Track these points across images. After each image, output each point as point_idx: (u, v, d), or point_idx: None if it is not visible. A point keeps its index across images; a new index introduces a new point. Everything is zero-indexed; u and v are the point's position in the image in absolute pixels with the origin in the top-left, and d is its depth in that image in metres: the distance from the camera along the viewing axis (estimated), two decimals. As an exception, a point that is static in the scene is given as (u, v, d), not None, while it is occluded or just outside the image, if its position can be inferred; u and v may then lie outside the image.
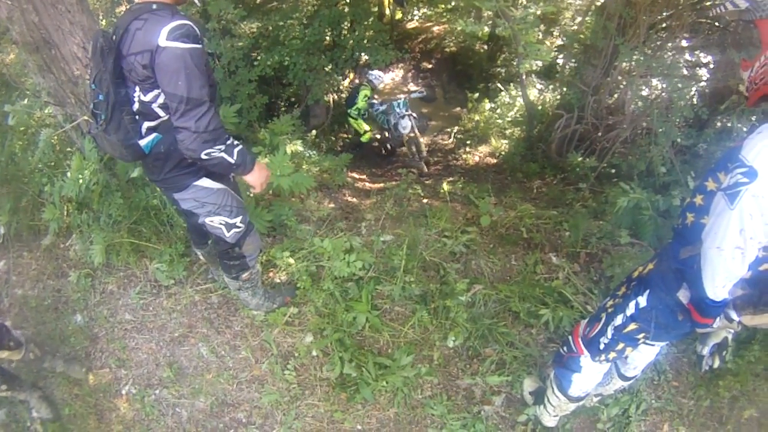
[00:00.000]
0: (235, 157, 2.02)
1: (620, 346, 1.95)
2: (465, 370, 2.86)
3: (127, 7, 2.20)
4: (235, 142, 2.04)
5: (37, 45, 3.03)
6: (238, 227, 2.42)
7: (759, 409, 2.62)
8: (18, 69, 4.59)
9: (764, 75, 1.38)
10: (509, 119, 7.75)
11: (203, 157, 1.93)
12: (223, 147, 1.95)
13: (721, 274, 1.44)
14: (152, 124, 2.04)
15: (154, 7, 1.85)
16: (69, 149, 3.59)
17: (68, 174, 3.13)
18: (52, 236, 3.54)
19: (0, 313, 3.48)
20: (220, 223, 2.35)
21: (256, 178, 2.21)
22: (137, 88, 1.94)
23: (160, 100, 1.95)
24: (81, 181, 3.05)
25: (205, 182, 2.20)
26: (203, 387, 2.87)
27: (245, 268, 2.63)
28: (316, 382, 2.79)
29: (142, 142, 2.05)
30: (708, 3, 4.43)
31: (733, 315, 1.60)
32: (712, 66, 4.74)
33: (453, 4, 8.55)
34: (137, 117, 2.01)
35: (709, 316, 1.59)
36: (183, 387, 2.90)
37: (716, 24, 4.73)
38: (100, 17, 5.47)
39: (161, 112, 2.00)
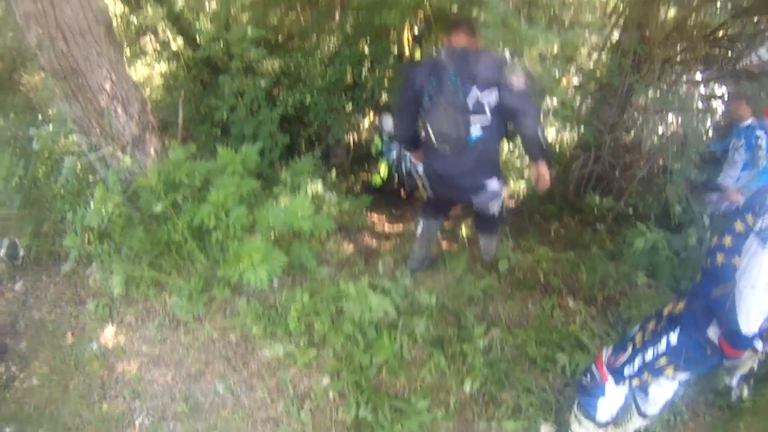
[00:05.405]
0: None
1: (645, 375, 2.08)
2: (481, 415, 2.83)
3: None
4: None
5: (65, 73, 3.09)
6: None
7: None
8: (45, 94, 4.68)
9: None
10: (527, 161, 7.73)
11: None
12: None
13: (755, 311, 1.59)
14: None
15: None
16: (92, 178, 3.65)
17: (91, 203, 3.17)
18: (72, 263, 3.56)
19: (16, 334, 3.50)
20: (498, 208, 3.15)
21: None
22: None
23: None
24: (104, 212, 3.08)
25: (494, 185, 2.95)
26: (218, 424, 2.86)
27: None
28: (332, 424, 2.78)
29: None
30: (720, 34, 4.48)
31: (758, 345, 1.72)
32: (726, 98, 4.76)
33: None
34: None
35: (741, 347, 1.74)
36: (197, 422, 2.89)
37: (729, 55, 4.76)
38: (126, 47, 5.56)
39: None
